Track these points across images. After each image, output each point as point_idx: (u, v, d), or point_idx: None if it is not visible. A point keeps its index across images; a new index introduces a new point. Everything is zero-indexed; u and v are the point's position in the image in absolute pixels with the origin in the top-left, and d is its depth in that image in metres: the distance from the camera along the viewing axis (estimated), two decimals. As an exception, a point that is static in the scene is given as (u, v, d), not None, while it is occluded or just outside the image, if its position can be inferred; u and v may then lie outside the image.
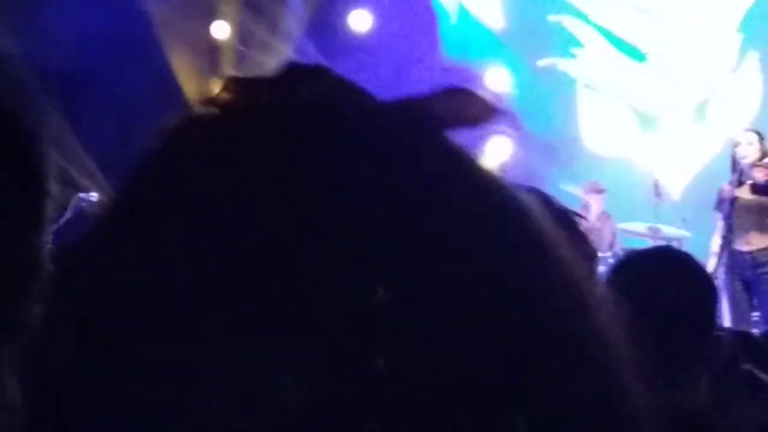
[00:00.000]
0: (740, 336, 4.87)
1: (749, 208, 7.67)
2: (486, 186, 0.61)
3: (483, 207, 0.59)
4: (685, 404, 2.02)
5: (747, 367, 2.74)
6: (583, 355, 0.58)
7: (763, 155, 7.74)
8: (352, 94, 0.61)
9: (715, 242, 7.87)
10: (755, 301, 7.70)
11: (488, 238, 0.58)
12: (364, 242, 0.55)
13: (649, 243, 9.03)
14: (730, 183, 7.81)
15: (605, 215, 9.61)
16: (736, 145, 7.88)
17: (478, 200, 0.59)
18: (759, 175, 7.63)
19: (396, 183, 0.57)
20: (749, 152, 7.69)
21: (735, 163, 7.82)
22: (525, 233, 0.59)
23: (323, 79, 0.62)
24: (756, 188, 7.68)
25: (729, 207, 7.70)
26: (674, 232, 9.06)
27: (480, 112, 0.65)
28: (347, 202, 0.55)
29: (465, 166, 0.61)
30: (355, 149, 0.58)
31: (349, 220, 0.55)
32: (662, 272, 2.07)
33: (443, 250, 0.56)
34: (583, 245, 1.44)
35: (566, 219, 1.49)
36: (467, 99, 0.64)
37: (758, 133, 7.93)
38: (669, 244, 8.96)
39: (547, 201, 1.46)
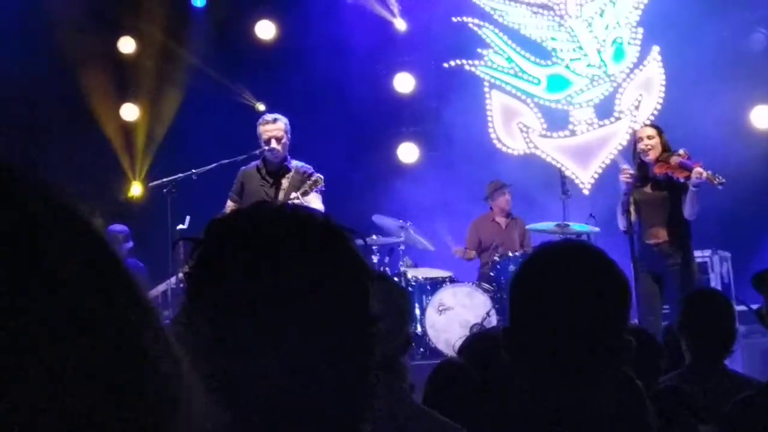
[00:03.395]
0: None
1: (653, 202, 7.69)
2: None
3: None
4: (594, 405, 1.93)
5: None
6: None
7: (664, 149, 7.75)
8: None
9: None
10: (665, 294, 7.74)
11: None
12: None
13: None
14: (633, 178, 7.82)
15: (512, 215, 9.65)
16: (637, 140, 7.89)
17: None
18: (660, 170, 7.66)
19: None
20: (650, 147, 7.71)
21: (637, 158, 7.85)
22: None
23: None
24: (658, 183, 7.72)
25: (634, 202, 7.73)
26: (583, 228, 9.10)
27: None
28: None
29: None
30: None
31: None
32: (577, 262, 1.99)
33: None
34: (356, 265, 1.37)
35: (337, 239, 1.38)
36: None
37: (657, 128, 7.93)
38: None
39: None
